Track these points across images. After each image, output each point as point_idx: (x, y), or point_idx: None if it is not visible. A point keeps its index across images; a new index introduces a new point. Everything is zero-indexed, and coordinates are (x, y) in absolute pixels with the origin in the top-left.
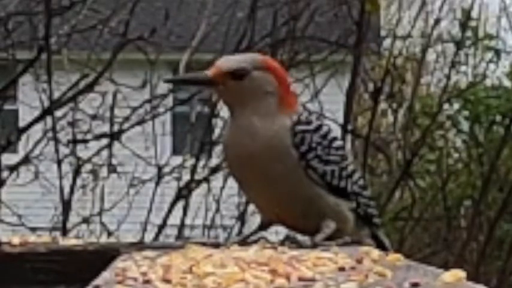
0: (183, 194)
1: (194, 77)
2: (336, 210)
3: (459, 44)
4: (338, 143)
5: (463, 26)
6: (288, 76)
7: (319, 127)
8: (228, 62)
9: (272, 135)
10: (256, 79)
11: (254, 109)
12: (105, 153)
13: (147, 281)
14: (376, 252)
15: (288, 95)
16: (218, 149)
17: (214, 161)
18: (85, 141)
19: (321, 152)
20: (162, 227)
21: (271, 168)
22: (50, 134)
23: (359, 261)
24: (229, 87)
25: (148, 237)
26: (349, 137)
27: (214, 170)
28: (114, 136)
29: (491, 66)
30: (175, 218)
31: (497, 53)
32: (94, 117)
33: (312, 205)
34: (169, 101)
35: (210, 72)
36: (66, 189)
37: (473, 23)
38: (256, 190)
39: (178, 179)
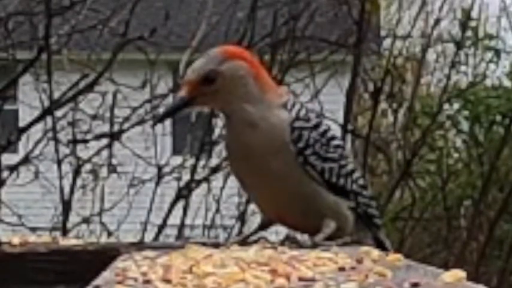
0: (183, 194)
1: (175, 106)
2: (335, 209)
3: (459, 44)
4: (337, 141)
5: (463, 26)
6: (253, 57)
7: (318, 124)
8: (193, 72)
9: (271, 127)
10: (227, 71)
11: (242, 99)
12: (105, 153)
13: (147, 281)
14: (376, 252)
15: (263, 73)
16: (218, 149)
17: (214, 161)
18: (85, 141)
19: (319, 149)
20: (162, 227)
21: (270, 163)
22: (50, 134)
23: (359, 261)
24: (207, 94)
25: (148, 237)
26: (349, 137)
27: (214, 170)
28: (114, 136)
29: (491, 66)
30: (175, 218)
31: (497, 53)
32: (94, 117)
33: (310, 203)
34: (169, 101)
35: (183, 92)
36: (66, 189)
37: (473, 23)
38: (256, 188)
39: (178, 179)
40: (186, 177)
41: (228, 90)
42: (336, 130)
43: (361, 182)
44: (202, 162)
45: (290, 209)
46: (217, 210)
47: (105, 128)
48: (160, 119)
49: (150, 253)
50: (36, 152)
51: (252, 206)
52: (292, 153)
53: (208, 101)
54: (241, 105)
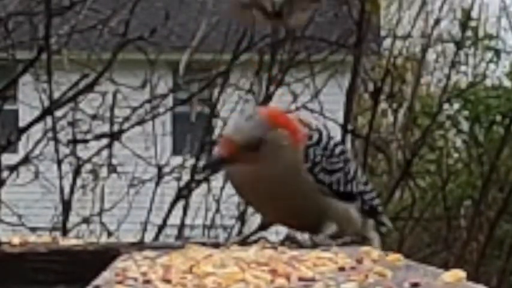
0: (183, 194)
1: (214, 162)
2: (346, 216)
3: (459, 44)
4: (340, 148)
5: (463, 26)
6: (292, 117)
7: (319, 139)
8: (239, 134)
9: (289, 165)
10: (272, 142)
11: (276, 164)
12: (105, 153)
13: (147, 281)
14: (376, 252)
15: (297, 135)
16: None
17: None
18: (85, 141)
19: (325, 163)
20: (162, 227)
21: (281, 190)
22: (50, 134)
23: (359, 261)
24: (248, 160)
25: (148, 237)
26: (349, 137)
27: None
28: (114, 136)
29: (491, 66)
30: (175, 218)
31: (497, 53)
32: (94, 117)
33: (322, 215)
34: (169, 101)
35: (223, 152)
36: (66, 189)
37: (473, 23)
38: (266, 209)
39: (178, 179)
40: (186, 177)
41: (267, 158)
42: (336, 130)
43: (363, 179)
44: (202, 162)
45: (301, 222)
46: (217, 210)
47: (105, 128)
48: (202, 170)
49: (150, 253)
50: (36, 152)
51: None
52: (308, 180)
53: (244, 164)
54: (271, 169)
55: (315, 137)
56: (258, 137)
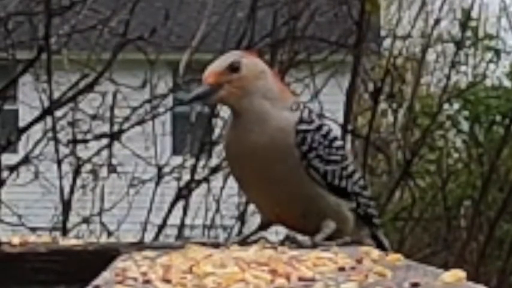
0: (183, 194)
1: (199, 93)
2: (336, 210)
3: (459, 44)
4: (338, 142)
5: (463, 26)
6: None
7: (320, 127)
8: (217, 63)
9: (279, 128)
10: (249, 63)
11: (262, 93)
12: (105, 153)
13: (147, 281)
14: (376, 252)
15: (277, 75)
16: (218, 149)
17: (214, 161)
18: (85, 141)
19: (322, 151)
20: (162, 227)
21: (274, 166)
22: (50, 134)
23: (359, 261)
24: (233, 81)
25: (148, 237)
26: (349, 137)
27: (214, 170)
28: (114, 136)
29: (491, 66)
30: (175, 218)
31: (497, 53)
32: (94, 117)
33: (312, 205)
34: (169, 101)
35: (208, 81)
36: (66, 189)
37: (473, 23)
38: (257, 189)
39: (178, 179)
40: (186, 177)
41: (251, 80)
42: (336, 130)
43: (361, 183)
44: (202, 162)
45: (291, 210)
46: (217, 210)
47: (105, 128)
48: (189, 102)
49: (150, 253)
50: (36, 152)
51: (252, 206)
52: (295, 157)
53: (232, 90)
54: (260, 100)
55: (316, 123)
56: (233, 59)
